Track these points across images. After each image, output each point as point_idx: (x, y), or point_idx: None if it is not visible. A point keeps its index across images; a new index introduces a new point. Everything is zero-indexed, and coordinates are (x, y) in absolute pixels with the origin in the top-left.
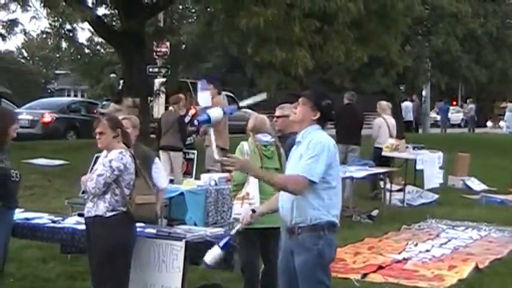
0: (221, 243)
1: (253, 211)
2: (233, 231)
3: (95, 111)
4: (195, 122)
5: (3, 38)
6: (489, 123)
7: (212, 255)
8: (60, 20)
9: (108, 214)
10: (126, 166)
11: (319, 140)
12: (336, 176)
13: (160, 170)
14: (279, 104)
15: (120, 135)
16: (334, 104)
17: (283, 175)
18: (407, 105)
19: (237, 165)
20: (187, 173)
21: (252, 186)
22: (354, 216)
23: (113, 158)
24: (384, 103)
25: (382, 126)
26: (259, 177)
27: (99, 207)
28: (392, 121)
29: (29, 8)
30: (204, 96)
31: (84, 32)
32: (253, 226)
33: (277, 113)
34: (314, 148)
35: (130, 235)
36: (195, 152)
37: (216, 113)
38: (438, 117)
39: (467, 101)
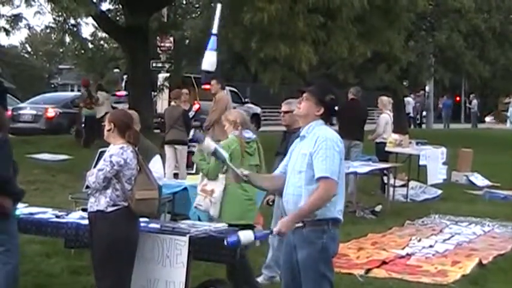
0: (258, 234)
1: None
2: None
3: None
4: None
5: (7, 32)
6: (488, 119)
7: (247, 236)
8: (64, 15)
9: (110, 209)
10: (126, 161)
11: (327, 137)
12: (342, 171)
13: (153, 168)
14: (284, 99)
15: (115, 129)
16: (338, 99)
17: (313, 196)
18: (408, 100)
19: (278, 230)
20: (188, 166)
21: (219, 185)
22: (357, 212)
23: (113, 153)
24: (385, 98)
25: (388, 122)
26: (298, 221)
27: (101, 202)
28: (391, 117)
29: (33, 3)
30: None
31: (88, 27)
32: (231, 222)
33: (284, 108)
34: (325, 147)
35: (132, 230)
36: (196, 144)
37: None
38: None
39: (471, 96)
